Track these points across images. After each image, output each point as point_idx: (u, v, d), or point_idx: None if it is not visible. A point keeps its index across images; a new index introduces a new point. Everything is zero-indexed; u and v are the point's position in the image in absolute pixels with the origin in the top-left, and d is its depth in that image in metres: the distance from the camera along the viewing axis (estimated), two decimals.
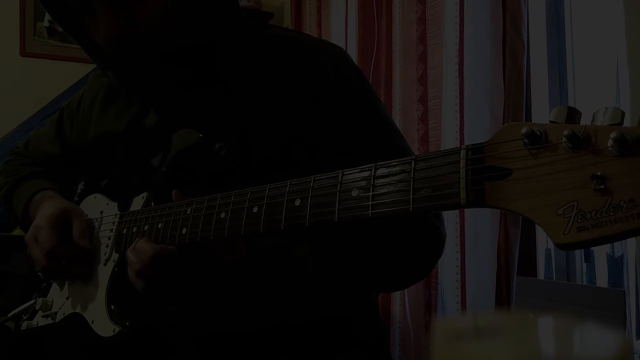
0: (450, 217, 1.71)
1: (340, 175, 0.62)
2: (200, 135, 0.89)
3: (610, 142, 0.43)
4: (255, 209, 0.70)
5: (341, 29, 2.34)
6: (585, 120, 0.47)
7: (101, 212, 1.01)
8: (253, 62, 0.95)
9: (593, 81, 1.79)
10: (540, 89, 1.82)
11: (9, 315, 1.07)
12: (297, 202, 0.65)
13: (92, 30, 0.91)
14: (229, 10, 0.96)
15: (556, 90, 1.82)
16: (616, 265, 1.74)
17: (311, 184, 0.64)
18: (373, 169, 0.59)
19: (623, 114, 0.44)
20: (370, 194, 0.59)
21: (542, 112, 1.81)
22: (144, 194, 0.93)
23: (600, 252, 1.74)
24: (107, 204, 1.01)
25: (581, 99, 1.79)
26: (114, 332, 0.88)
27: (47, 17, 2.54)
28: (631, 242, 1.50)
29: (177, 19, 0.89)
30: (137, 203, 0.94)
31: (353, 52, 2.20)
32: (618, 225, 0.42)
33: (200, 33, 0.93)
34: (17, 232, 1.87)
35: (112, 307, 0.91)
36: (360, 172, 0.61)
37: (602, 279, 1.75)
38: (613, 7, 1.54)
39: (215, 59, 0.95)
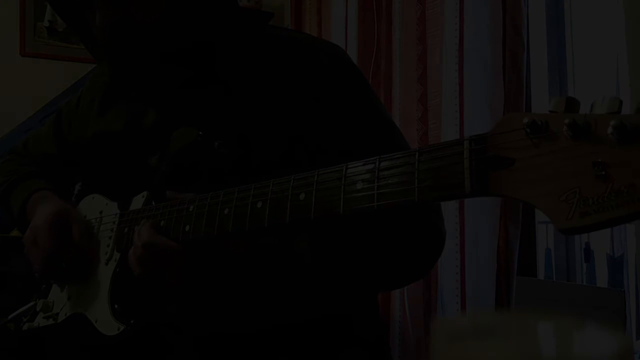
0: (450, 217, 1.71)
1: (344, 169, 0.63)
2: (200, 133, 0.89)
3: (610, 130, 0.44)
4: (259, 204, 0.70)
5: (341, 29, 2.34)
6: (582, 109, 0.48)
7: (100, 212, 1.01)
8: (253, 62, 0.95)
9: (593, 81, 1.80)
10: (540, 89, 1.82)
11: (9, 317, 1.07)
12: (302, 197, 0.66)
13: (91, 23, 0.91)
14: (228, 10, 0.96)
15: (556, 90, 1.82)
16: (616, 265, 1.74)
17: (315, 178, 0.65)
18: (377, 162, 0.60)
19: (621, 102, 0.46)
20: (375, 184, 0.59)
21: (542, 112, 1.81)
22: (144, 193, 0.93)
23: (600, 252, 1.75)
24: (107, 204, 1.01)
25: (581, 98, 1.79)
26: (118, 330, 0.88)
27: (47, 17, 2.53)
28: (631, 242, 1.50)
29: (174, 15, 0.89)
30: (137, 202, 0.94)
31: (353, 52, 2.20)
32: (619, 209, 0.43)
33: (199, 32, 0.93)
34: (15, 232, 1.87)
35: (116, 306, 0.91)
36: (364, 165, 0.61)
37: (602, 279, 1.75)
38: (613, 7, 1.54)
39: (215, 58, 0.95)
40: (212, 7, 0.93)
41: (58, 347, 1.03)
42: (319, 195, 0.64)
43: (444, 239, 0.92)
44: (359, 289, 0.98)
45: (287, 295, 0.90)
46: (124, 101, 1.05)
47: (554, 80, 1.82)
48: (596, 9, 1.80)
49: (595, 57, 1.80)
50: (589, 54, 1.80)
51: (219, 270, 0.84)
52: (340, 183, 0.62)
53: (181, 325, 0.94)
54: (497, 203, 1.60)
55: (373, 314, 1.03)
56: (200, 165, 0.90)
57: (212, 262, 0.83)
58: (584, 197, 0.45)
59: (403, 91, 2.00)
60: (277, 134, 0.89)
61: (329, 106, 0.89)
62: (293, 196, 0.67)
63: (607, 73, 1.72)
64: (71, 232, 0.97)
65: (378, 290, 1.22)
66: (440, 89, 1.84)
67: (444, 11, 1.83)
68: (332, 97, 0.90)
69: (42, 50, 2.53)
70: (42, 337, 1.04)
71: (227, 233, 0.75)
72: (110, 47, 0.90)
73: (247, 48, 0.96)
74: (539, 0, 1.83)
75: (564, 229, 0.46)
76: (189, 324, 0.93)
